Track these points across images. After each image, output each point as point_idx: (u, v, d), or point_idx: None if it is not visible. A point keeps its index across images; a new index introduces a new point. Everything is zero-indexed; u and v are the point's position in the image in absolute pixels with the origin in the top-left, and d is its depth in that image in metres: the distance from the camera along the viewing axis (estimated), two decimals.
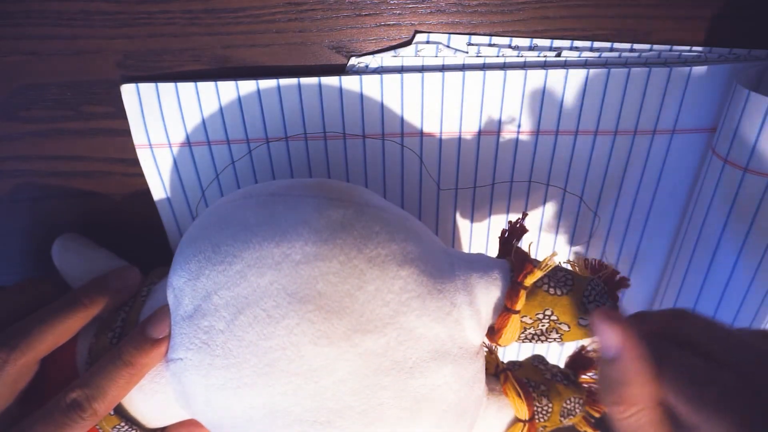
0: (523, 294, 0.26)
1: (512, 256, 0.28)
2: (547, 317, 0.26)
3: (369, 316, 0.24)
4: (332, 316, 0.23)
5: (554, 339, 0.27)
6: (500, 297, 0.26)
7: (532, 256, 0.30)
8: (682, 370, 0.21)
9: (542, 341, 0.28)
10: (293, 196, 0.26)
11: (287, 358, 0.23)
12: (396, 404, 0.24)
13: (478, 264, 0.27)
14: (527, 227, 0.30)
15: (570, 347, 0.42)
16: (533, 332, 0.27)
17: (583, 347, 0.32)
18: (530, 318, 0.26)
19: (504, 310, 0.26)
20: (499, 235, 0.30)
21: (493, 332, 0.27)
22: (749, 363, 0.20)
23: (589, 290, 0.26)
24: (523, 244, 0.29)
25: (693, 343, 0.22)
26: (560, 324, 0.26)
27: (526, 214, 0.31)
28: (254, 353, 0.23)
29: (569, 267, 0.29)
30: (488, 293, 0.26)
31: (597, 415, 0.30)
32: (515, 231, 0.30)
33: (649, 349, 0.22)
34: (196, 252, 0.25)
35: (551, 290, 0.26)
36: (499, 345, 0.28)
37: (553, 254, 0.26)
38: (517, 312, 0.26)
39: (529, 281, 0.26)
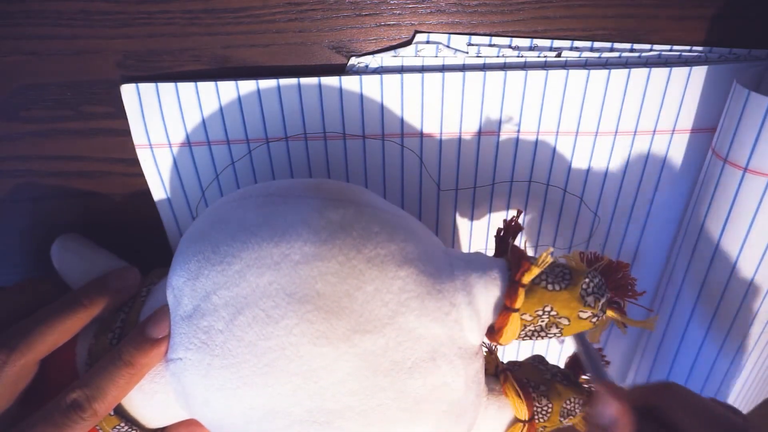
0: (521, 292, 0.26)
1: (509, 254, 0.28)
2: (546, 313, 0.26)
3: (368, 316, 0.24)
4: (331, 317, 0.23)
5: (555, 334, 0.27)
6: (499, 296, 0.26)
7: (531, 255, 0.30)
8: None
9: (542, 337, 0.28)
10: (293, 196, 0.26)
11: (286, 358, 0.23)
12: (395, 405, 0.24)
13: (476, 263, 0.27)
14: (522, 225, 0.30)
15: (570, 348, 0.42)
16: (533, 329, 0.27)
17: None
18: (530, 315, 0.26)
19: (503, 308, 0.26)
20: (495, 233, 0.31)
21: (493, 331, 0.27)
22: None
23: (587, 283, 0.26)
24: (522, 243, 0.29)
25: (671, 422, 0.25)
26: (560, 319, 0.26)
27: (521, 211, 0.31)
28: (253, 353, 0.23)
29: (566, 262, 0.29)
30: (487, 293, 0.26)
31: None
32: (510, 229, 0.30)
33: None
34: (195, 252, 0.25)
35: (549, 286, 0.26)
36: (500, 344, 0.28)
37: (549, 250, 0.26)
38: (517, 310, 0.26)
39: (527, 279, 0.26)
